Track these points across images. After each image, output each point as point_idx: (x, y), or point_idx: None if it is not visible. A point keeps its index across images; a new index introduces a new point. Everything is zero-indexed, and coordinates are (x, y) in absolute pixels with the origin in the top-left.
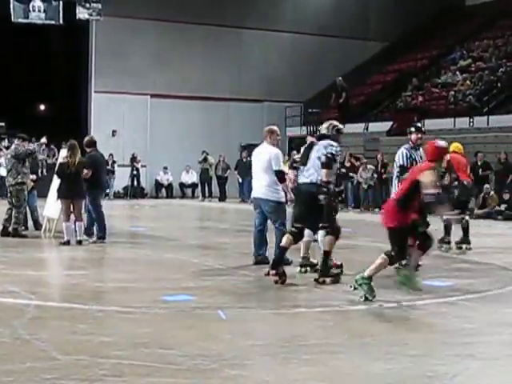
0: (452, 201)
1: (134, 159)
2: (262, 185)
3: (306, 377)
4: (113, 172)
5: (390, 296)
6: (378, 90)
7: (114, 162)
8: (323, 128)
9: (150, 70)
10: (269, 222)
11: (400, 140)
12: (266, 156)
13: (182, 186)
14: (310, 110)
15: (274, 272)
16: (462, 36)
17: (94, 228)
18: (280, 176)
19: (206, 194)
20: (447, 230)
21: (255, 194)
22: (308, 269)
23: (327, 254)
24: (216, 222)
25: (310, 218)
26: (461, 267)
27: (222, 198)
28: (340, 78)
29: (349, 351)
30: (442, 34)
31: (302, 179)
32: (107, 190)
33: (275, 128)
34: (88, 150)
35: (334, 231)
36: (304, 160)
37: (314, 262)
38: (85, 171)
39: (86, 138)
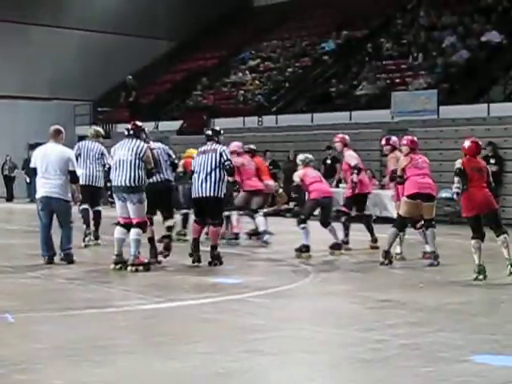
0: None
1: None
2: (55, 184)
3: (99, 379)
4: None
5: (180, 294)
6: (168, 89)
7: None
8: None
9: None
10: None
11: (189, 139)
12: (59, 156)
13: None
14: (100, 109)
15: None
16: (250, 36)
17: None
18: (74, 177)
19: None
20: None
21: (46, 193)
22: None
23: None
24: (3, 222)
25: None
26: (251, 264)
27: (10, 198)
28: (130, 77)
29: (142, 351)
30: (231, 34)
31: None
32: None
33: (61, 128)
34: None
35: None
36: None
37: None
38: None
39: None
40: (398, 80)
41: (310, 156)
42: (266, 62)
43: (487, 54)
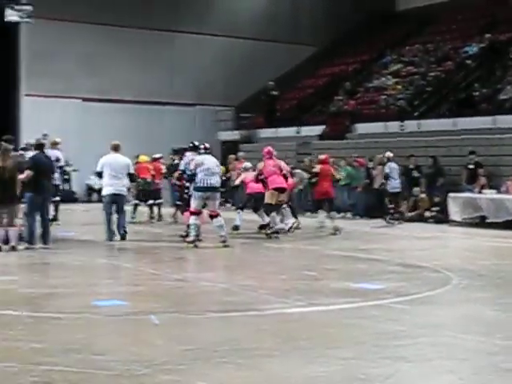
0: None
1: (65, 163)
2: (123, 183)
3: (241, 381)
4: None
5: (321, 299)
6: (310, 94)
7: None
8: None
9: (81, 74)
10: None
11: (332, 143)
12: (123, 162)
13: None
14: (242, 115)
15: None
16: (392, 40)
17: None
18: (133, 177)
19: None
20: None
21: (115, 190)
22: None
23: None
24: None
25: None
26: (392, 270)
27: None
28: (271, 83)
29: (282, 355)
30: (373, 39)
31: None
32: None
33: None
34: (35, 152)
35: None
36: None
37: None
38: (26, 172)
39: (33, 141)
40: None
41: (249, 164)
42: (408, 67)
43: None
